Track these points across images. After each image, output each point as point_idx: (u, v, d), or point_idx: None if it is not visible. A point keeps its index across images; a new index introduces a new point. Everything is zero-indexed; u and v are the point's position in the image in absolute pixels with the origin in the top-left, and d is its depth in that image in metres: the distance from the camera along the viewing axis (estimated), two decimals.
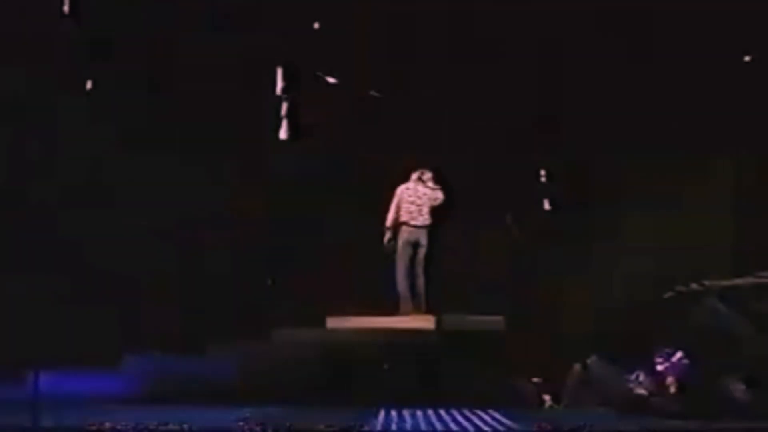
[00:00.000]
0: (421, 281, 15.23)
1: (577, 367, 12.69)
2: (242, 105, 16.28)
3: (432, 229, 15.30)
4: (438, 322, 14.54)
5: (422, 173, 15.46)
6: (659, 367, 13.41)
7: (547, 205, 16.19)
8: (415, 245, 15.27)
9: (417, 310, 15.09)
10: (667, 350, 13.39)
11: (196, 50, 16.47)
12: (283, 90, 15.60)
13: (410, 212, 15.33)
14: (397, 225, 15.34)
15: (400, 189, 15.46)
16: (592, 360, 12.58)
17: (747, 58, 14.77)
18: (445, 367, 13.91)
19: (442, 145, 16.03)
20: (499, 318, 14.95)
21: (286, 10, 16.39)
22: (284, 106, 15.67)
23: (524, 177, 16.34)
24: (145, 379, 13.96)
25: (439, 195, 15.38)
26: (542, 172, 16.22)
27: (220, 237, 16.78)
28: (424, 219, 15.32)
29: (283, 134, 15.72)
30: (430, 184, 15.40)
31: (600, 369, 12.62)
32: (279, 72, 15.48)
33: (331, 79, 16.12)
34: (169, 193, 16.30)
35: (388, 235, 15.35)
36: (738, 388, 12.49)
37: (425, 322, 14.62)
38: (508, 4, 16.19)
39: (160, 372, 14.01)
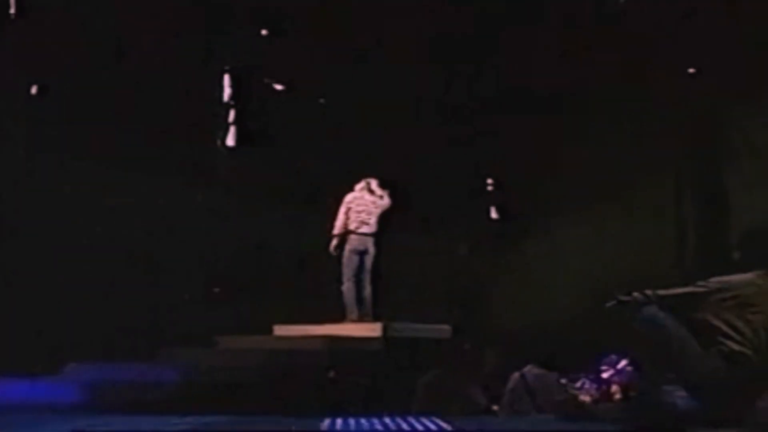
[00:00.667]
0: (368, 289, 15.27)
1: (516, 375, 12.79)
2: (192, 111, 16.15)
3: (379, 237, 15.35)
4: (384, 330, 14.56)
5: (368, 182, 15.50)
6: (605, 375, 13.46)
7: (494, 213, 16.21)
8: (362, 253, 15.32)
9: (363, 317, 15.12)
10: (613, 357, 13.45)
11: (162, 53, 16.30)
12: (231, 97, 15.62)
13: (358, 220, 15.36)
14: (345, 233, 15.37)
15: (348, 197, 15.51)
16: (528, 369, 12.69)
17: (691, 70, 14.80)
18: (392, 375, 13.91)
19: (388, 151, 15.97)
20: (446, 326, 15.01)
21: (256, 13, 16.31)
22: (232, 113, 15.69)
23: (472, 183, 16.30)
24: (87, 386, 13.85)
25: (386, 201, 15.44)
26: (489, 181, 16.24)
27: (169, 243, 16.68)
28: (371, 227, 15.36)
29: (230, 141, 15.74)
30: (377, 191, 15.44)
31: (536, 377, 12.71)
32: (226, 79, 15.51)
33: (278, 86, 16.13)
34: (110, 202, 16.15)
35: (334, 243, 15.39)
36: (679, 396, 12.55)
37: (371, 330, 14.65)
38: None
39: (103, 379, 13.92)
